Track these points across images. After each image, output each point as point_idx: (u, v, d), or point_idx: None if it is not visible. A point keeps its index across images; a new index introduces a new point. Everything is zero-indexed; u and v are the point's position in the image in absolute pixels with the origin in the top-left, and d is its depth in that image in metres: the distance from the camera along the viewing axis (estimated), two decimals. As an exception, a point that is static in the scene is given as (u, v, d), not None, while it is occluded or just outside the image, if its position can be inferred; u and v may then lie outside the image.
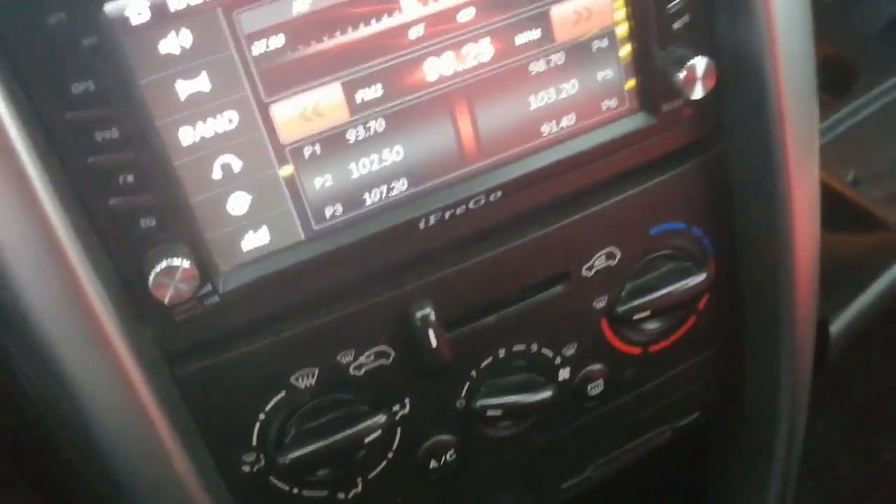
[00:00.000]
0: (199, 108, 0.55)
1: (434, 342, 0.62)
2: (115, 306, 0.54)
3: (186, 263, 0.55)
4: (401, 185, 0.62)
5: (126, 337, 0.55)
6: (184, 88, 0.54)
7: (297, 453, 0.63)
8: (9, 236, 0.51)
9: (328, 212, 0.61)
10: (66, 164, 0.53)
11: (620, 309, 0.69)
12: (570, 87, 0.64)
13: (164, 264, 0.55)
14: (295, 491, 0.66)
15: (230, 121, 0.56)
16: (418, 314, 0.62)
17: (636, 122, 0.66)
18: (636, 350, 0.73)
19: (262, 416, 0.63)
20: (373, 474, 0.68)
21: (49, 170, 0.51)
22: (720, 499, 0.91)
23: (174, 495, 0.59)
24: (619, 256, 0.68)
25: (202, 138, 0.56)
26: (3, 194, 0.50)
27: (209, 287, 0.58)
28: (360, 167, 0.60)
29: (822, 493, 1.52)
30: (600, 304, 0.69)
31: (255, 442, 0.63)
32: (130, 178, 0.54)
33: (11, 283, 0.52)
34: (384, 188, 0.61)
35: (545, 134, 0.64)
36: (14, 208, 0.51)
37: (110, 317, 0.54)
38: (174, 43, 0.53)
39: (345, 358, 0.63)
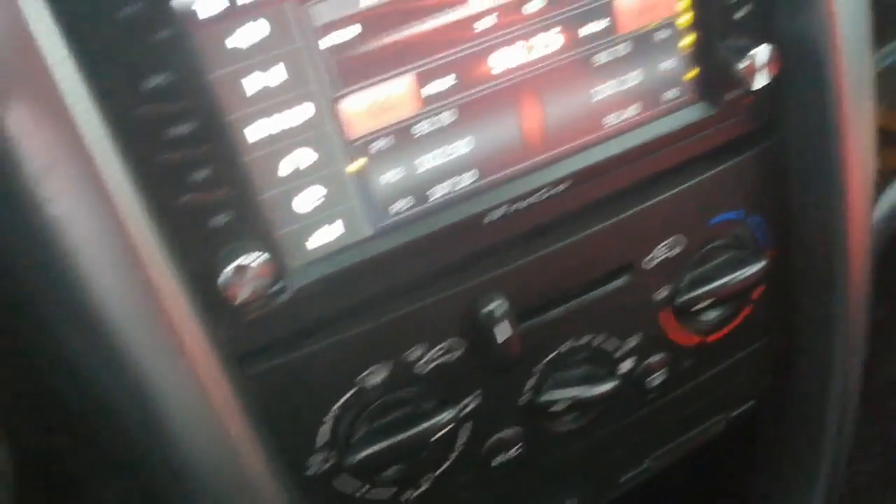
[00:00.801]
0: (268, 102, 0.54)
1: (503, 337, 0.61)
2: (191, 307, 0.53)
3: (261, 259, 0.54)
4: (468, 179, 0.61)
5: (203, 338, 0.54)
6: (252, 83, 0.53)
7: (366, 453, 0.62)
8: (85, 239, 0.50)
9: (396, 207, 0.60)
10: (137, 162, 0.52)
11: (681, 300, 0.69)
12: (633, 78, 0.63)
13: (236, 263, 0.54)
14: (363, 490, 0.65)
15: (299, 115, 0.55)
16: (487, 308, 0.61)
17: (697, 112, 0.65)
18: (694, 340, 0.72)
19: (330, 415, 0.62)
20: (439, 471, 0.67)
21: (123, 169, 0.50)
22: (767, 489, 0.90)
23: (248, 497, 0.58)
24: (680, 247, 0.68)
25: (271, 134, 0.55)
26: (78, 197, 0.49)
27: (279, 285, 0.57)
28: (429, 161, 0.59)
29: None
30: (661, 294, 0.69)
31: (323, 441, 0.62)
32: (202, 175, 0.53)
33: (88, 287, 0.51)
34: (451, 181, 0.61)
35: (608, 125, 0.64)
36: (90, 210, 0.49)
37: (188, 319, 0.53)
38: (242, 37, 0.52)
39: (413, 354, 0.62)
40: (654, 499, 0.89)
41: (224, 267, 0.54)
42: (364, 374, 0.61)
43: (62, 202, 0.49)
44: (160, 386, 0.54)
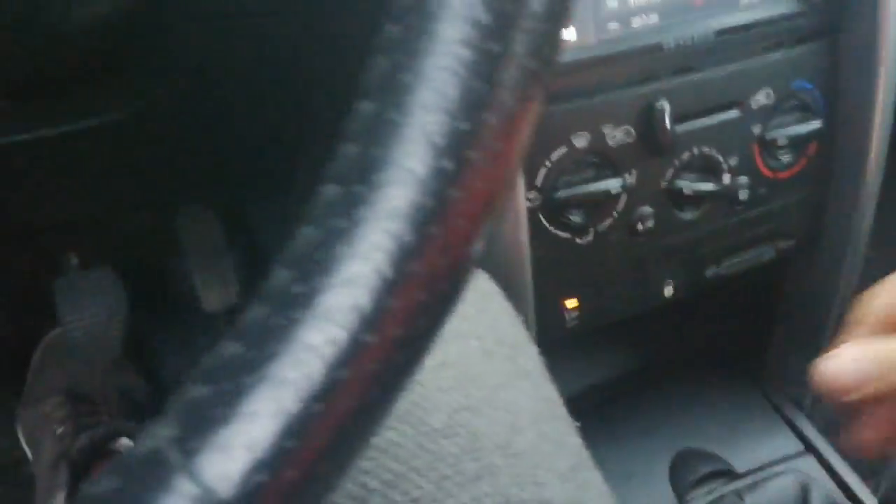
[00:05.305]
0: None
1: (668, 125, 0.91)
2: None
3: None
4: (654, 18, 0.92)
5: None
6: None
7: (563, 193, 0.90)
8: None
9: (611, 26, 0.90)
10: None
11: (768, 136, 1.00)
12: (759, -27, 0.96)
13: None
14: (552, 229, 0.93)
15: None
16: (658, 105, 0.91)
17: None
18: (769, 173, 1.04)
19: (547, 164, 0.90)
20: (601, 227, 0.95)
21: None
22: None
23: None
24: (770, 98, 1.00)
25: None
26: None
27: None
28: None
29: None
30: (756, 130, 1.00)
31: (539, 181, 0.90)
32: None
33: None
34: (644, 17, 0.92)
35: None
36: None
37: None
38: None
39: (605, 129, 0.91)
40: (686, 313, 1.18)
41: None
42: (573, 136, 0.90)
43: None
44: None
